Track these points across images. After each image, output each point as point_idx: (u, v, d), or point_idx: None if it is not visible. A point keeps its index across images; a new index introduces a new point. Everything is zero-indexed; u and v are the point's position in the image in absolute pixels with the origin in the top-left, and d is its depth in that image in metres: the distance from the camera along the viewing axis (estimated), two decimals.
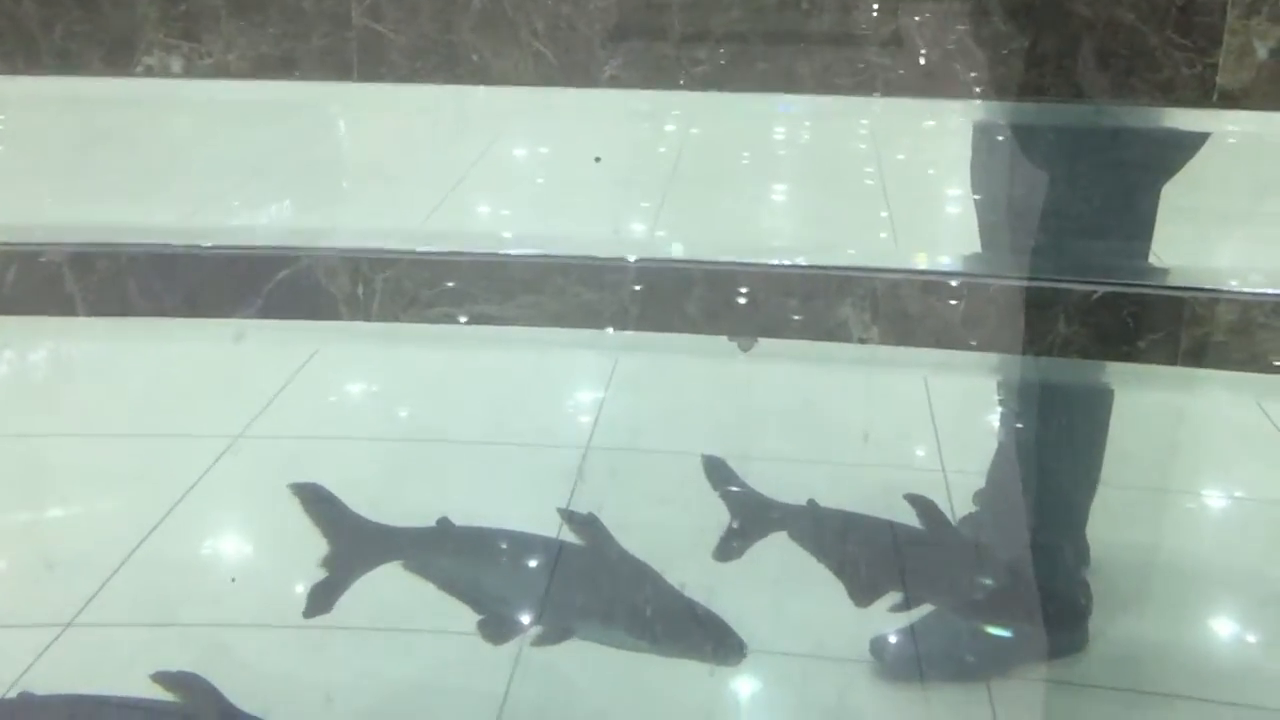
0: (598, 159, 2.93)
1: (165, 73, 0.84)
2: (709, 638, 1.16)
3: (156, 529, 1.98)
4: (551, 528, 1.24)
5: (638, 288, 0.89)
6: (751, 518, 1.30)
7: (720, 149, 2.54)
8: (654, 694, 1.48)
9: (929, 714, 1.52)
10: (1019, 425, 1.71)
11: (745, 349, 0.88)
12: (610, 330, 0.89)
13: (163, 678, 1.15)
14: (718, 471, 1.31)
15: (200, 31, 0.85)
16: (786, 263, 0.89)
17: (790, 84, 1.79)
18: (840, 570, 1.26)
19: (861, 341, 0.87)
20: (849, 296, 0.88)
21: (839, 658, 1.65)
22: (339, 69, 0.93)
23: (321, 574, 1.22)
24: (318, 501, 1.22)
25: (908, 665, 1.62)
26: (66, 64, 0.86)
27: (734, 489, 1.30)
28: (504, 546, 1.22)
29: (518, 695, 1.55)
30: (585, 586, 1.19)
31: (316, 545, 1.22)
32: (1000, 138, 1.47)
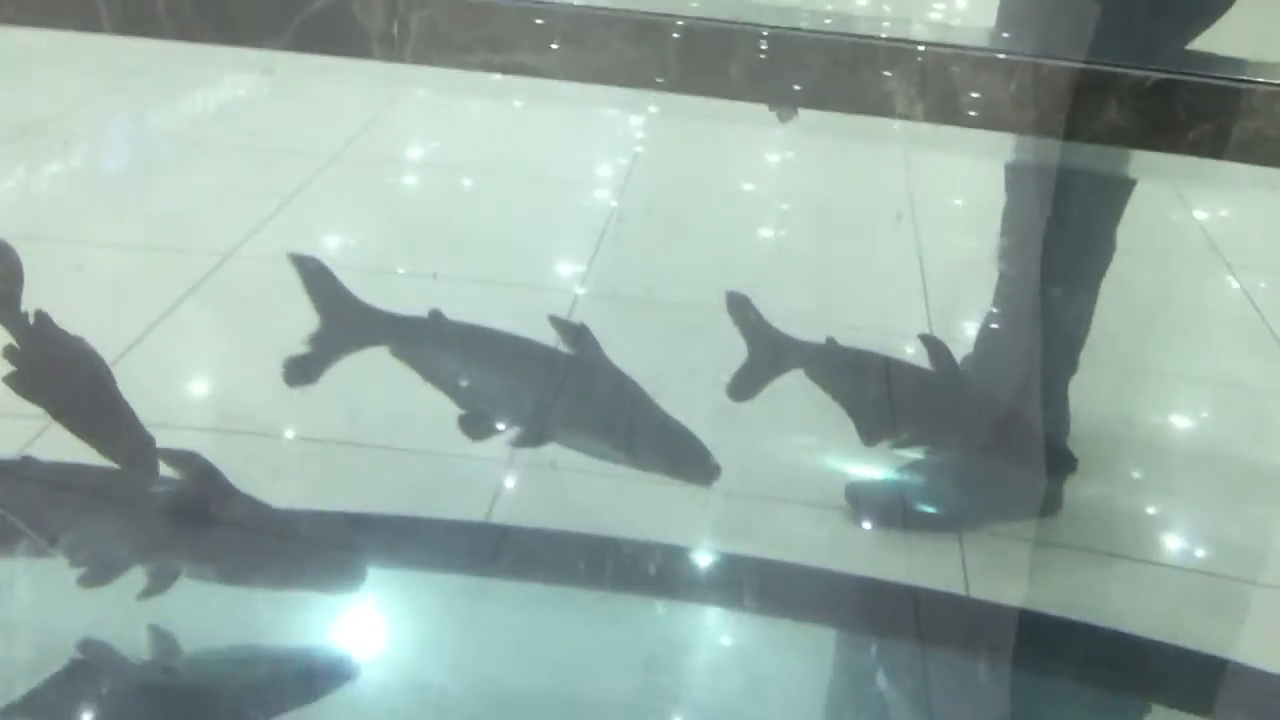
0: None
1: None
2: (684, 457, 1.20)
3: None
4: (560, 305, 1.26)
5: (681, 46, 0.86)
6: (769, 355, 1.32)
7: None
8: (619, 510, 1.55)
9: (897, 561, 1.59)
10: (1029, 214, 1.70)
11: (785, 119, 0.86)
12: (650, 88, 0.87)
13: (166, 454, 1.20)
14: (739, 306, 1.32)
15: None
16: (834, 30, 0.86)
17: None
18: (850, 409, 1.29)
19: (905, 118, 0.85)
20: (896, 69, 0.85)
21: (819, 501, 1.72)
22: None
23: (306, 348, 1.25)
24: (314, 275, 1.23)
25: (881, 512, 1.68)
26: None
27: (754, 324, 1.31)
28: (493, 346, 1.24)
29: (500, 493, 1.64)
30: (569, 394, 1.21)
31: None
32: None
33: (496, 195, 2.34)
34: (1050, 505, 1.63)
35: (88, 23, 0.92)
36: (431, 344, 1.25)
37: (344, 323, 1.25)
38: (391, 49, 0.87)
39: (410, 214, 2.34)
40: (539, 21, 0.86)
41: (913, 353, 1.42)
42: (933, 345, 1.38)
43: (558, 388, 1.22)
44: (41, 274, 1.23)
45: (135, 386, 1.28)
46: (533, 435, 1.21)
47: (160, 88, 2.75)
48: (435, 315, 1.25)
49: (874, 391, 1.36)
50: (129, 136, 2.63)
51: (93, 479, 1.28)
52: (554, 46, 0.86)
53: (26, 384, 1.22)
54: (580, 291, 1.90)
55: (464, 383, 1.22)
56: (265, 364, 1.29)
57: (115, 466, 1.28)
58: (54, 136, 2.60)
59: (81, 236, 2.18)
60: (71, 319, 1.25)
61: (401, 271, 1.94)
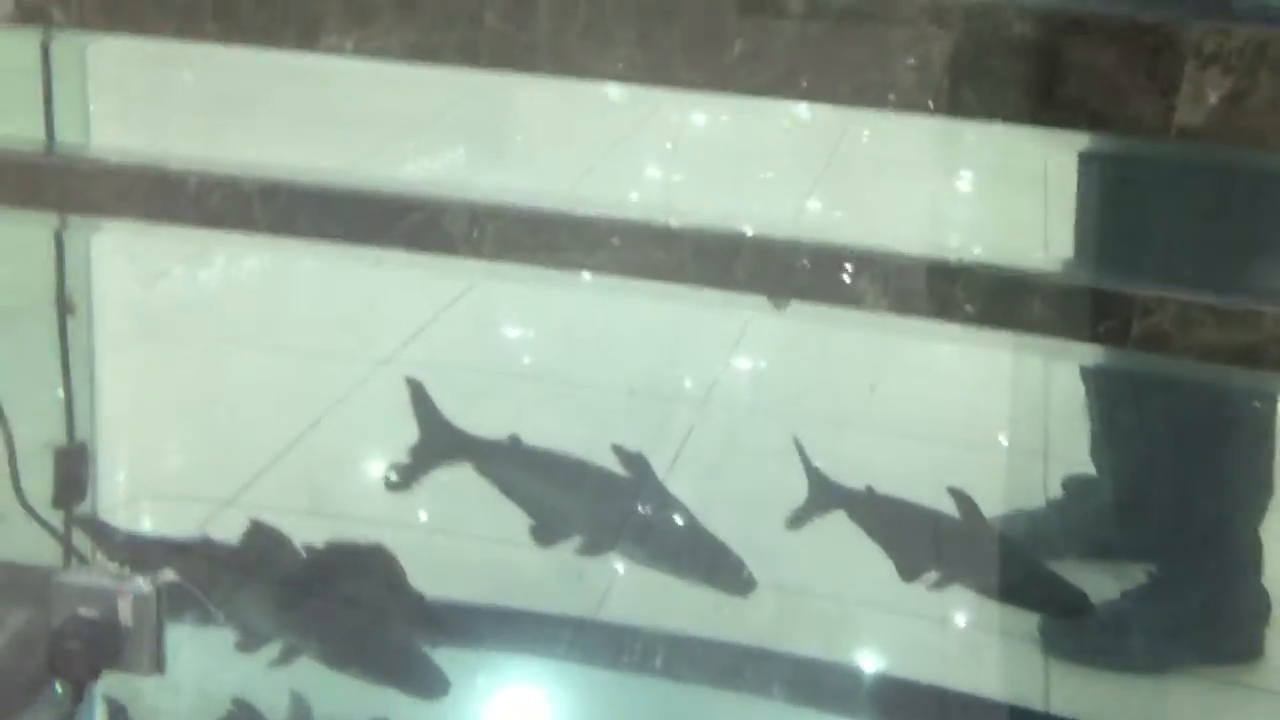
0: None
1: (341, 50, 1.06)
2: (720, 569, 1.41)
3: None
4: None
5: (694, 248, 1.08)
6: (821, 496, 1.54)
7: None
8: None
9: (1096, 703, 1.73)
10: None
11: (780, 308, 1.07)
12: (671, 281, 1.09)
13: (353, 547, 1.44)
14: (801, 451, 1.54)
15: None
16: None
17: None
18: (888, 548, 1.49)
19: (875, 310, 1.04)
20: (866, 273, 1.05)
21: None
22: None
23: (407, 458, 1.52)
24: (418, 399, 1.49)
25: (1077, 650, 1.82)
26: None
27: (811, 470, 1.53)
28: (561, 467, 1.47)
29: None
30: (626, 513, 1.43)
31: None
32: None
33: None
34: (1251, 649, 1.69)
35: (249, 227, 1.19)
36: (509, 463, 1.49)
37: (436, 440, 1.51)
38: (472, 249, 1.12)
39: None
40: (587, 228, 1.11)
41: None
42: (960, 498, 1.54)
43: (617, 506, 1.44)
44: None
45: None
46: (592, 546, 1.42)
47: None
48: (514, 439, 1.49)
49: (906, 535, 1.53)
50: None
51: (252, 558, 1.53)
52: (599, 249, 1.10)
53: None
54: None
55: (535, 498, 1.45)
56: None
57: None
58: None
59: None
60: None
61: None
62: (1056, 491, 2.04)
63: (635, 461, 1.46)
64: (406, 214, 1.12)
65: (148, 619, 1.37)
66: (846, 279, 1.05)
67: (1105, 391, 1.74)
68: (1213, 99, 0.90)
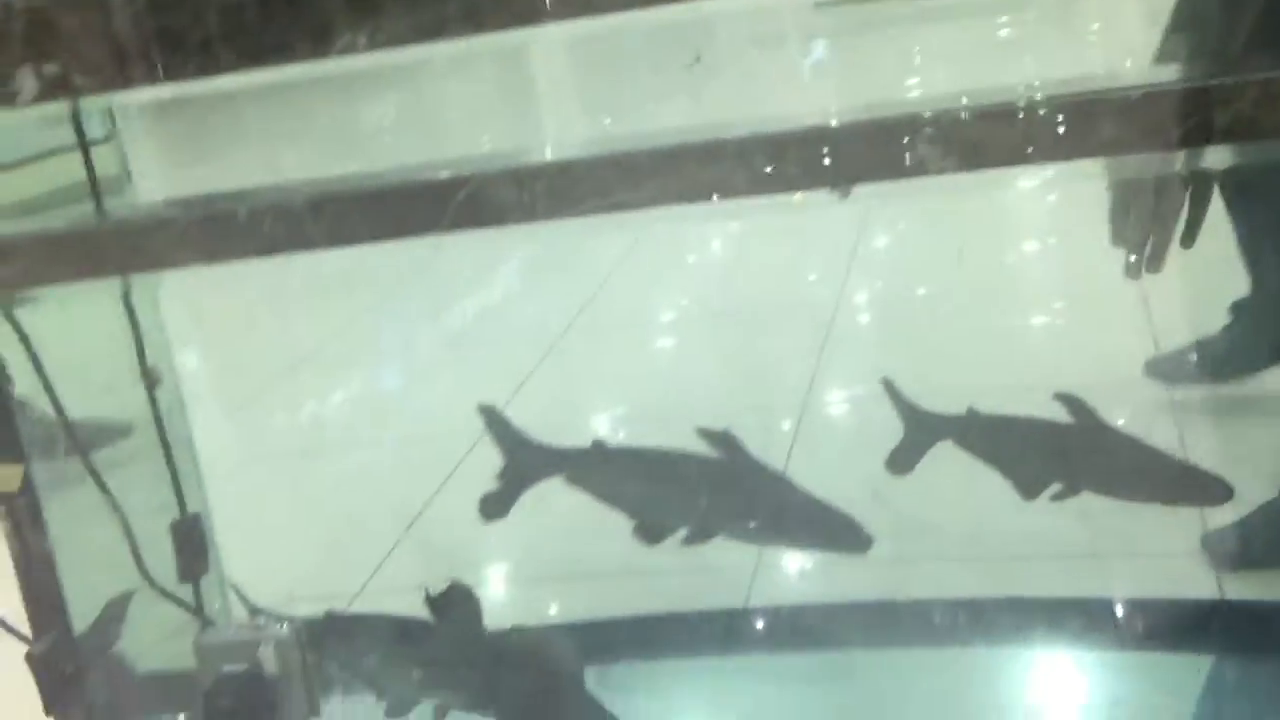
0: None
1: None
2: (836, 531, 1.36)
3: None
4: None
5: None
6: (919, 430, 1.49)
7: None
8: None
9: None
10: None
11: (844, 197, 1.04)
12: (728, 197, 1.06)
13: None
14: (891, 390, 1.49)
15: None
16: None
17: None
18: (1003, 470, 1.43)
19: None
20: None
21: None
22: None
23: (496, 485, 1.51)
24: (493, 422, 1.48)
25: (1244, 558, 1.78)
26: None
27: (905, 404, 1.48)
28: (652, 462, 1.45)
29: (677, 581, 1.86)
30: (725, 493, 1.40)
31: None
32: None
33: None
34: None
35: (305, 244, 1.19)
36: (598, 469, 1.46)
37: (522, 460, 1.49)
38: (525, 213, 1.11)
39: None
40: (632, 164, 1.08)
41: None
42: (1070, 402, 1.48)
43: (714, 488, 1.40)
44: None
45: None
46: (699, 534, 1.39)
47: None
48: (598, 444, 1.47)
49: (1020, 450, 1.47)
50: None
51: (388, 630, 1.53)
52: (643, 182, 1.07)
53: None
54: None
55: (631, 498, 1.42)
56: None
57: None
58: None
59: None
60: None
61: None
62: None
63: (725, 440, 1.43)
64: (453, 193, 1.11)
65: (293, 663, 1.37)
66: (904, 149, 1.00)
67: (1235, 187, 1.67)
68: None
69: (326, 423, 2.76)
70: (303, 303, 3.08)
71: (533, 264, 3.18)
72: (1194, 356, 2.04)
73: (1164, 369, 2.13)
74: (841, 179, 1.04)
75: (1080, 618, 1.73)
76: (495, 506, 1.50)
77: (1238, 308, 2.06)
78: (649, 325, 2.92)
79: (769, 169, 1.04)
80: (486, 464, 1.52)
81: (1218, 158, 1.16)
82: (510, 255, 3.18)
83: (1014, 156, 0.99)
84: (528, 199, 1.10)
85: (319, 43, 1.08)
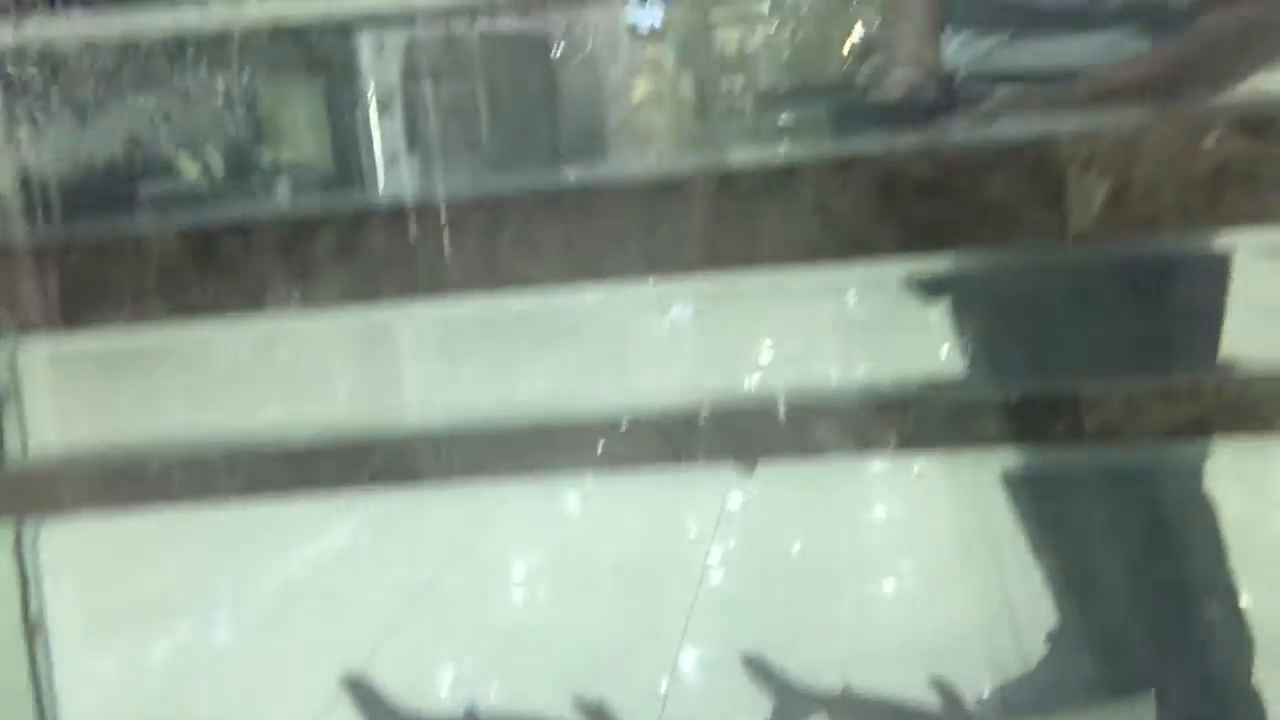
0: None
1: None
2: None
3: None
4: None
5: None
6: (791, 705, 1.54)
7: None
8: None
9: None
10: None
11: (747, 473, 1.10)
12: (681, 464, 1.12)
13: None
14: (757, 666, 1.55)
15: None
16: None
17: None
18: None
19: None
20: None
21: None
22: None
23: None
24: (362, 696, 1.49)
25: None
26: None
27: (773, 680, 1.53)
28: None
29: None
30: None
31: None
32: None
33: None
34: None
35: (217, 497, 1.20)
36: None
37: None
38: (441, 476, 1.14)
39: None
40: (549, 434, 1.13)
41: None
42: (942, 687, 1.54)
43: None
44: None
45: None
46: None
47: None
48: (470, 712, 1.48)
49: None
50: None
51: None
52: (563, 451, 1.12)
53: None
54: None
55: None
56: None
57: None
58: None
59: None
60: None
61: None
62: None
63: (599, 711, 1.46)
64: (371, 454, 1.14)
65: None
66: (806, 431, 1.08)
67: (1033, 494, 1.77)
68: (1098, 199, 0.98)
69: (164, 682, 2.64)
70: (152, 548, 3.00)
71: (393, 517, 3.17)
72: (1026, 690, 1.94)
73: (1009, 699, 1.95)
74: (749, 456, 1.10)
75: None
76: None
77: (1052, 639, 2.00)
78: (513, 583, 2.92)
79: (678, 444, 1.10)
80: None
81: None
82: (369, 506, 3.17)
83: (904, 445, 1.07)
84: (445, 464, 1.14)
85: (253, 301, 1.12)
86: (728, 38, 12.55)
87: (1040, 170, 0.99)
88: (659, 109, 13.00)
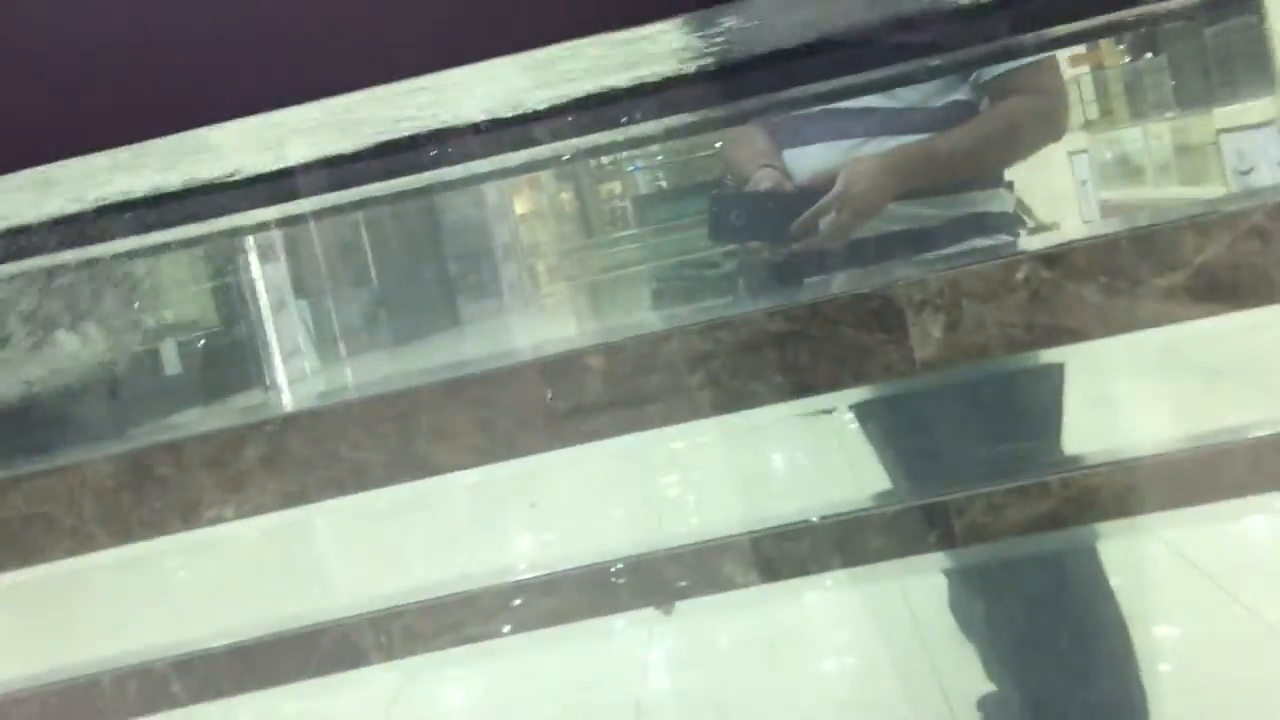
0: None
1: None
2: None
3: None
4: None
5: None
6: None
7: None
8: None
9: None
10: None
11: (668, 612, 1.20)
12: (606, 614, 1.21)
13: None
14: None
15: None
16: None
17: None
18: None
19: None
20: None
21: None
22: None
23: None
24: None
25: None
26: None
27: None
28: None
29: None
30: None
31: None
32: None
33: None
34: None
35: (169, 705, 1.26)
36: None
37: None
38: (384, 653, 1.22)
39: None
40: (479, 601, 1.22)
41: None
42: None
43: None
44: None
45: None
46: None
47: None
48: None
49: None
50: None
51: None
52: (495, 616, 1.21)
53: None
54: None
55: None
56: None
57: None
58: None
59: None
60: None
61: None
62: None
63: None
64: (317, 641, 1.22)
65: None
66: (714, 569, 1.19)
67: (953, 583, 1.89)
68: (936, 333, 1.12)
69: None
70: None
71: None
72: None
73: None
74: (666, 597, 1.21)
75: None
76: None
77: (983, 705, 2.07)
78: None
79: (601, 594, 1.20)
80: None
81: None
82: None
83: (802, 569, 1.19)
84: (385, 641, 1.22)
85: (188, 516, 1.20)
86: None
87: (884, 313, 1.13)
88: (542, 223, 13.27)
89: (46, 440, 1.42)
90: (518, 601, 1.22)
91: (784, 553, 1.19)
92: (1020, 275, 1.10)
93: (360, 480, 1.19)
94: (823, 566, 1.18)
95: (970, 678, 2.13)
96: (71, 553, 1.20)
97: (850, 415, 1.79)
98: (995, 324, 1.10)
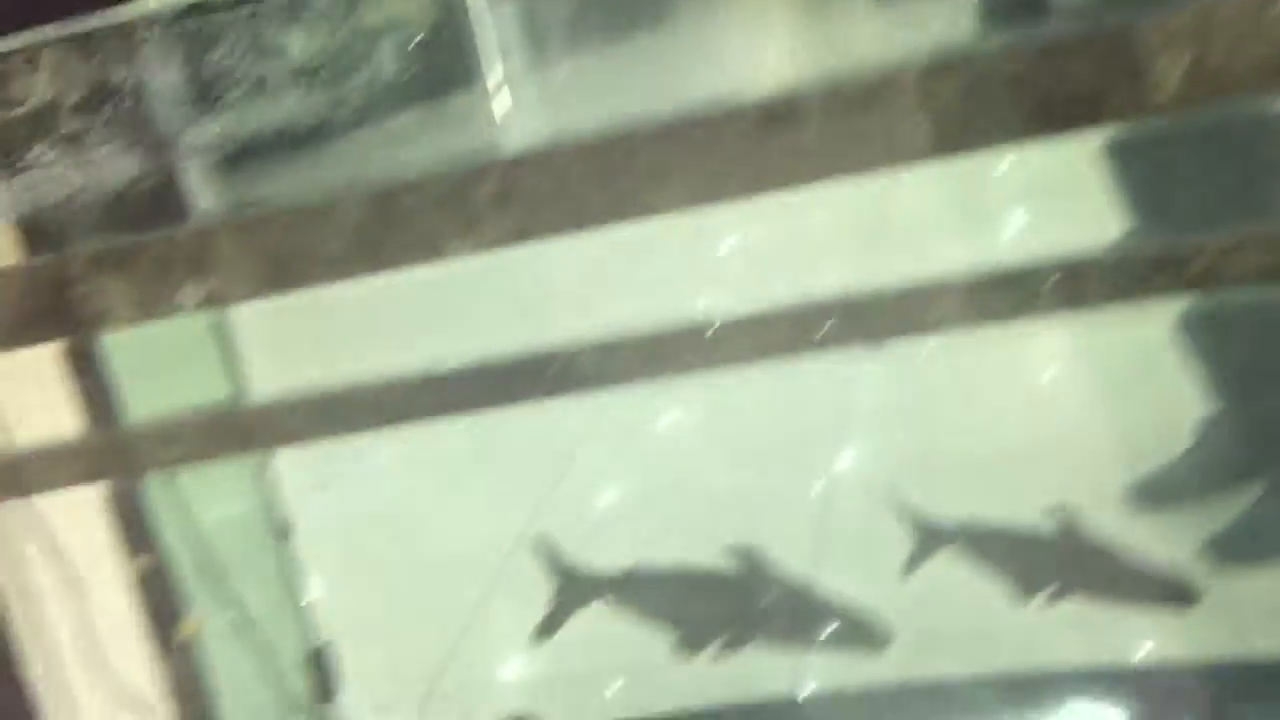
0: None
1: None
2: (858, 629, 1.60)
3: None
4: None
5: None
6: (923, 538, 1.72)
7: None
8: None
9: None
10: None
11: (876, 350, 1.23)
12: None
13: None
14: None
15: None
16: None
17: None
18: (1000, 574, 1.64)
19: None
20: None
21: None
22: None
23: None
24: (545, 553, 1.72)
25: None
26: None
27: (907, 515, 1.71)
28: (685, 581, 1.70)
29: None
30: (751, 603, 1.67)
31: None
32: None
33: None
34: None
35: (361, 423, 1.39)
36: (637, 592, 1.71)
37: (569, 588, 1.73)
38: (605, 380, 1.30)
39: None
40: (695, 334, 1.28)
41: None
42: (1059, 512, 1.69)
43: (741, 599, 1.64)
44: None
45: None
46: (733, 642, 1.64)
47: None
48: (630, 570, 1.73)
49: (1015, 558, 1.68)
50: None
51: None
52: (712, 348, 1.27)
53: None
54: None
55: (669, 615, 1.68)
56: None
57: None
58: None
59: None
60: None
61: None
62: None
63: (747, 554, 1.65)
64: (548, 366, 1.32)
65: None
66: (926, 310, 1.21)
67: (1200, 334, 1.84)
68: (1179, 70, 1.06)
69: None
70: None
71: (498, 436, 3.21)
72: (1169, 478, 1.98)
73: (1144, 493, 2.05)
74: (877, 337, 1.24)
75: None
76: (544, 630, 1.73)
77: (1202, 426, 2.04)
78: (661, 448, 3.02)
79: (814, 330, 1.24)
80: None
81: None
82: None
83: (1017, 313, 1.19)
84: (610, 367, 1.31)
85: (432, 250, 1.29)
86: None
87: (1123, 51, 1.06)
88: None
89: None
90: (732, 334, 1.27)
91: (1000, 297, 1.19)
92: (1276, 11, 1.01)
93: (583, 219, 1.24)
94: (1039, 310, 1.18)
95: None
96: (329, 278, 1.32)
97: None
98: (1244, 62, 1.03)
